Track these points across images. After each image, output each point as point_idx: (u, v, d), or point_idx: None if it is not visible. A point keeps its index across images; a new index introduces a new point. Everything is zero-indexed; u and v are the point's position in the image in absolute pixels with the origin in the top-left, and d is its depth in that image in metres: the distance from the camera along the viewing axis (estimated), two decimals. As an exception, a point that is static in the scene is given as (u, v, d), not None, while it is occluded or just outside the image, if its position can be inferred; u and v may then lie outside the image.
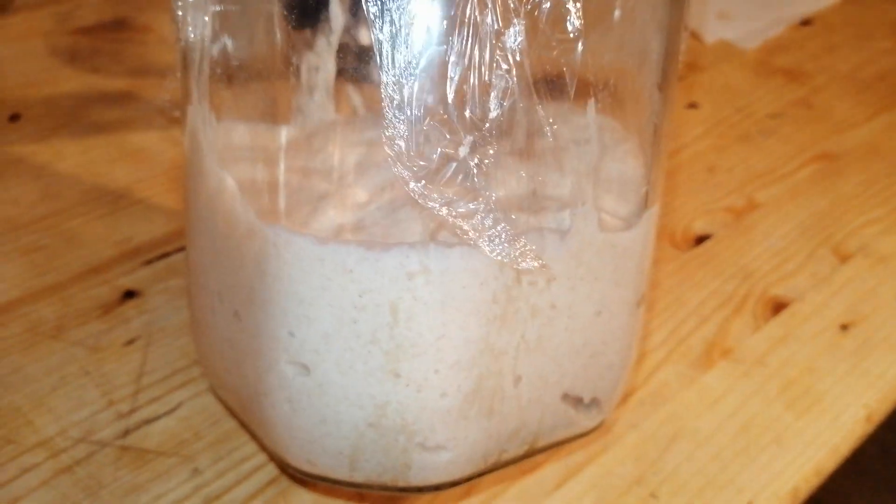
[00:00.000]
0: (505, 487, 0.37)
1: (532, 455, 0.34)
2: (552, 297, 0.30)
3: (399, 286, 0.28)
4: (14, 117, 0.54)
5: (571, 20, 0.27)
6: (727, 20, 0.71)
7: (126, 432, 0.37)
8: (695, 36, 0.69)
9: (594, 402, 0.34)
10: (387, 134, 0.26)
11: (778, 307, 0.47)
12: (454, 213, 0.27)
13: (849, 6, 0.75)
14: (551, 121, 0.28)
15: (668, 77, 0.32)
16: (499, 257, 0.28)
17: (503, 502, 0.37)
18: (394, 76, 0.26)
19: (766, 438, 0.40)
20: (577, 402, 0.33)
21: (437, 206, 0.27)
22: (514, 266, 0.28)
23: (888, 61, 0.69)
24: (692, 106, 0.62)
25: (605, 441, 0.40)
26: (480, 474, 0.33)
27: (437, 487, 0.32)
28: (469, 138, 0.26)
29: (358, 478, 0.31)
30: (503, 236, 0.27)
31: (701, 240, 0.51)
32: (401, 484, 0.31)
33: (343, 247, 0.28)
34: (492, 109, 0.26)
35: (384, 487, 0.31)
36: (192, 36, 0.32)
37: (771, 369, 0.44)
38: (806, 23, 0.73)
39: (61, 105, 0.55)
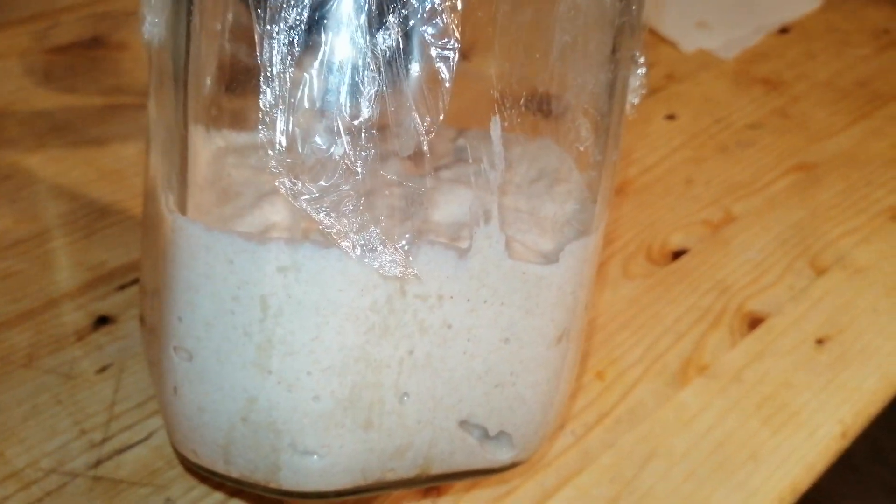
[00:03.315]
0: (479, 512, 0.37)
1: (427, 482, 0.33)
2: (446, 315, 0.30)
3: (272, 281, 0.28)
4: (-11, 139, 0.53)
5: (449, 33, 0.27)
6: (706, 29, 0.71)
7: (98, 462, 0.37)
8: (673, 45, 0.69)
9: (503, 437, 0.33)
10: (262, 129, 0.26)
11: (755, 322, 0.47)
12: (320, 212, 0.27)
13: (827, 14, 0.75)
14: (424, 130, 0.27)
15: (612, 112, 0.32)
16: (366, 261, 0.27)
17: (477, 527, 0.37)
18: (271, 71, 0.26)
19: (742, 455, 0.41)
20: (481, 432, 0.33)
21: (305, 204, 0.27)
22: (381, 273, 0.28)
23: (866, 67, 0.70)
24: (670, 117, 0.62)
25: (582, 462, 0.40)
26: (361, 491, 0.32)
27: (310, 495, 0.31)
28: (345, 138, 0.26)
29: (233, 472, 0.31)
30: (372, 241, 0.27)
31: (678, 254, 0.51)
32: (272, 485, 0.31)
33: (226, 236, 0.28)
34: (363, 111, 0.26)
35: (257, 486, 0.31)
36: (159, 40, 0.32)
37: (747, 385, 0.44)
38: (784, 31, 0.73)
39: (37, 125, 0.55)
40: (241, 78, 0.32)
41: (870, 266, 0.51)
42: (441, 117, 0.27)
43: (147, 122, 0.36)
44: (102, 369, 0.41)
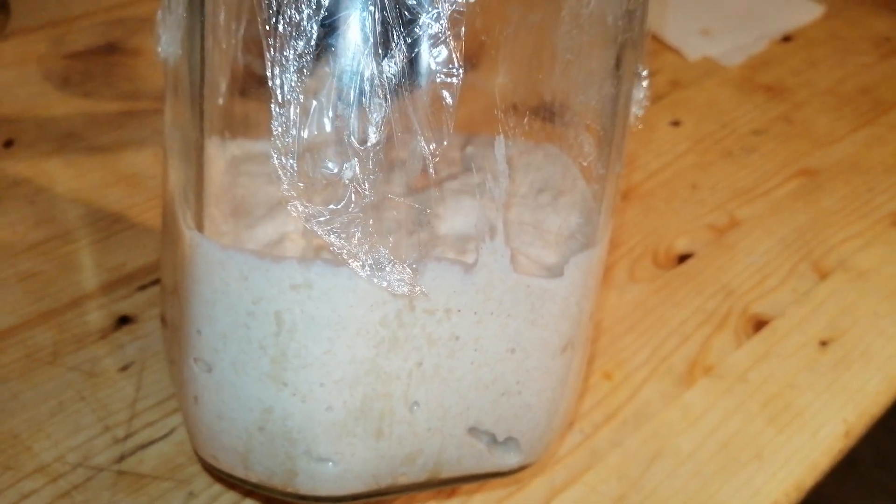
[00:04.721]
0: (492, 507, 0.38)
1: (438, 485, 0.34)
2: (453, 328, 0.31)
3: (286, 298, 0.29)
4: (8, 143, 0.55)
5: (452, 59, 0.28)
6: (710, 37, 0.72)
7: (122, 457, 0.38)
8: (678, 53, 0.70)
9: (511, 442, 0.34)
10: (274, 154, 0.27)
11: (759, 324, 0.48)
12: (331, 233, 0.28)
13: (830, 21, 0.76)
14: (430, 152, 0.28)
15: (615, 125, 0.33)
16: (375, 280, 0.28)
17: (490, 522, 0.38)
18: (281, 97, 0.27)
19: (747, 455, 0.42)
20: (489, 438, 0.34)
21: (316, 225, 0.28)
22: (391, 291, 0.29)
23: (868, 75, 0.71)
24: (675, 123, 0.63)
25: (590, 460, 0.41)
26: (374, 494, 0.33)
27: (326, 499, 0.32)
28: (354, 162, 0.27)
29: (252, 478, 0.32)
30: (381, 261, 0.28)
31: (683, 258, 0.52)
32: (289, 490, 0.32)
33: (240, 254, 0.30)
34: (370, 136, 0.27)
35: (275, 491, 0.32)
36: (176, 55, 0.33)
37: (752, 386, 0.45)
38: (787, 39, 0.74)
39: (55, 130, 0.56)
40: (254, 87, 0.34)
41: (871, 270, 0.52)
42: (445, 143, 0.28)
43: (164, 130, 0.37)
44: (124, 367, 0.42)
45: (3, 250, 0.47)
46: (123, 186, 0.52)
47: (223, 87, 0.33)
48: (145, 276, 0.46)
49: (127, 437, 0.39)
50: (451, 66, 0.28)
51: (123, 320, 0.44)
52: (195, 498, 0.37)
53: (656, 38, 0.71)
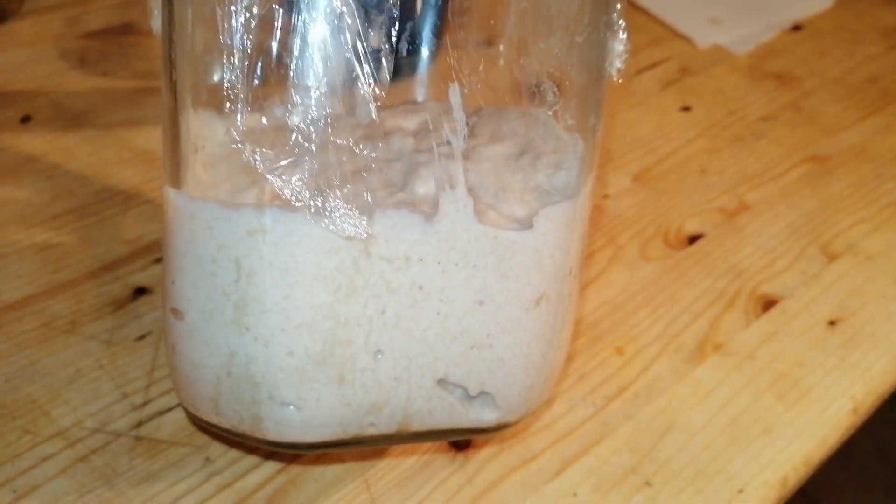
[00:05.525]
0: (504, 475, 0.39)
1: (410, 439, 0.34)
2: (415, 277, 0.31)
3: (244, 244, 0.30)
4: (26, 119, 0.55)
5: (391, 3, 0.29)
6: (720, 25, 0.73)
7: (140, 423, 0.39)
8: (688, 40, 0.71)
9: (485, 397, 0.34)
10: (226, 103, 0.28)
11: (768, 304, 0.49)
12: (278, 178, 0.28)
13: (839, 11, 0.77)
14: (374, 98, 0.29)
15: (587, 75, 0.33)
16: (323, 224, 0.29)
17: (503, 488, 0.38)
18: (232, 50, 0.28)
19: (757, 429, 0.42)
20: (462, 392, 0.34)
21: (263, 169, 0.28)
22: (338, 234, 0.29)
23: (877, 65, 0.71)
24: (685, 109, 0.63)
25: (601, 432, 0.41)
26: (344, 444, 0.33)
27: (297, 446, 0.33)
28: (300, 106, 0.28)
29: (224, 423, 0.33)
30: (329, 204, 0.29)
31: (694, 239, 0.52)
32: (258, 435, 0.33)
33: (206, 204, 0.30)
34: (315, 82, 0.28)
35: (246, 437, 0.33)
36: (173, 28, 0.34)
37: (761, 363, 0.45)
38: (796, 28, 0.74)
39: (72, 107, 0.56)
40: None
41: (880, 254, 0.53)
42: (387, 84, 0.29)
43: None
44: (141, 337, 0.42)
45: (22, 222, 0.48)
46: (139, 162, 0.53)
47: (214, 64, 0.34)
48: (161, 250, 0.47)
49: (145, 403, 0.39)
50: (388, 8, 0.29)
51: (140, 291, 0.45)
52: (212, 463, 0.38)
53: (666, 26, 0.72)
